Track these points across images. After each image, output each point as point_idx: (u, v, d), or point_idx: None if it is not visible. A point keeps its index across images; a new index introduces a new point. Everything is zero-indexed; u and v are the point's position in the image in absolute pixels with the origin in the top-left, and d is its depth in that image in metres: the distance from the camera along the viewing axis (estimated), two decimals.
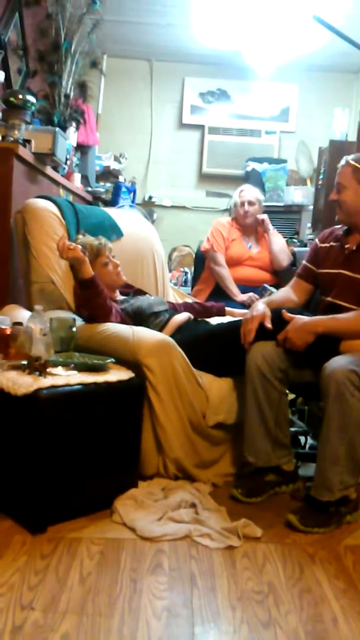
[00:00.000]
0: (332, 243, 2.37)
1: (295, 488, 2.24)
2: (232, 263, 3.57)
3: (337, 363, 1.95)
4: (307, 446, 2.70)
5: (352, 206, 2.23)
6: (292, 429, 2.57)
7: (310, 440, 2.71)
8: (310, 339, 2.08)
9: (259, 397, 2.14)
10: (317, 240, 2.46)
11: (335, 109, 4.62)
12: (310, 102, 5.27)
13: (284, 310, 2.19)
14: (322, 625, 1.46)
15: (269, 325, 2.18)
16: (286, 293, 2.50)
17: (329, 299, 2.29)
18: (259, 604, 1.54)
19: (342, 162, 2.28)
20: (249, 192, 3.67)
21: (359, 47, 3.81)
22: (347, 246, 2.28)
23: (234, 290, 3.47)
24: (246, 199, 3.61)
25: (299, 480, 2.27)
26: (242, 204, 3.61)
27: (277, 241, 3.64)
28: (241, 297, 3.41)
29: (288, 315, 2.16)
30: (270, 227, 3.67)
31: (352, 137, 4.36)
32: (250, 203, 3.61)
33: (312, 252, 2.45)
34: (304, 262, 2.47)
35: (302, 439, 2.74)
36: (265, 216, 3.68)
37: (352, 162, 2.23)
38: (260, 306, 2.26)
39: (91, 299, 2.37)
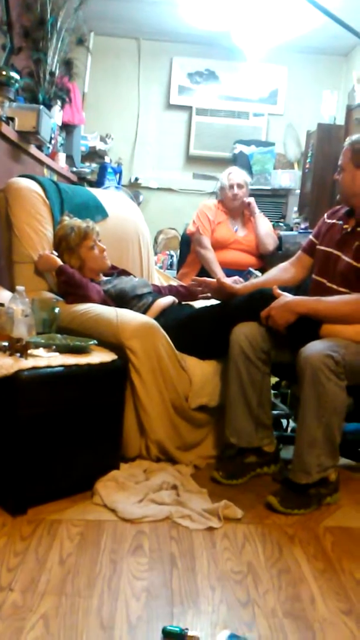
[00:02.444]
0: (335, 220, 2.35)
1: (276, 470, 2.26)
2: (218, 246, 3.55)
3: (313, 348, 1.96)
4: (289, 429, 2.72)
5: (347, 188, 2.23)
6: (275, 412, 2.59)
7: (292, 423, 2.73)
8: (291, 318, 2.08)
9: (242, 377, 2.15)
10: (325, 215, 2.44)
11: (324, 91, 4.59)
12: (299, 85, 5.23)
13: (274, 286, 2.19)
14: (300, 605, 1.48)
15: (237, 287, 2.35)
16: (277, 271, 2.49)
17: (319, 279, 2.29)
18: (238, 584, 1.55)
19: (345, 143, 2.27)
20: (238, 174, 3.65)
21: (350, 29, 3.78)
22: (345, 226, 2.27)
23: (220, 273, 3.45)
24: (235, 182, 3.58)
25: (280, 462, 2.29)
26: (231, 186, 3.58)
27: (264, 225, 3.62)
28: (226, 280, 3.39)
29: (277, 291, 2.16)
30: (257, 210, 3.65)
31: (340, 121, 4.34)
32: (239, 186, 3.58)
33: (318, 226, 2.44)
34: (310, 236, 2.46)
35: (284, 422, 2.76)
36: (251, 199, 3.66)
37: (352, 145, 2.21)
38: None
39: (66, 281, 2.44)
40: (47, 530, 1.73)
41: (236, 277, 3.35)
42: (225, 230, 3.58)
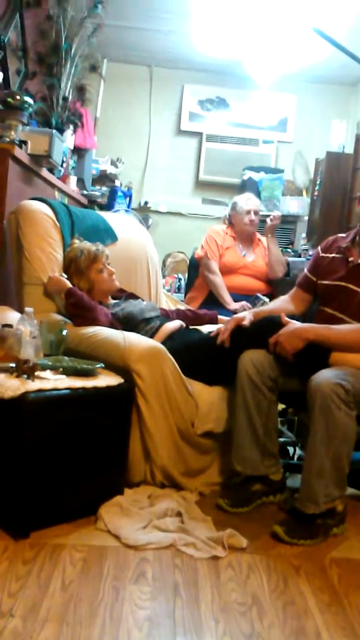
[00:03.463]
0: (334, 254, 2.33)
1: (282, 499, 2.23)
2: (226, 271, 3.56)
3: (324, 376, 1.94)
4: (296, 457, 2.69)
5: None
6: (281, 439, 2.56)
7: (298, 451, 2.70)
8: (299, 345, 2.07)
9: (249, 405, 2.13)
10: (319, 249, 2.42)
11: (332, 120, 4.64)
12: (308, 113, 5.30)
13: (282, 314, 2.19)
14: (305, 639, 1.45)
15: (246, 323, 2.21)
16: (281, 302, 2.49)
17: (329, 310, 2.26)
18: (242, 615, 1.52)
19: None
20: (255, 201, 3.69)
21: (358, 59, 3.84)
22: (350, 259, 2.25)
23: (227, 298, 3.46)
24: (253, 208, 3.62)
25: (286, 491, 2.26)
26: (249, 212, 3.61)
27: (276, 250, 3.65)
28: (234, 305, 3.40)
29: (285, 319, 2.16)
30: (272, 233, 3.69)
31: (349, 149, 4.38)
32: (255, 212, 3.62)
33: (313, 261, 2.42)
34: (305, 271, 2.45)
35: (290, 449, 2.73)
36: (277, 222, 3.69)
37: None
38: (244, 312, 2.31)
39: (75, 304, 2.44)
40: (49, 555, 1.70)
41: (244, 302, 3.38)
42: (234, 255, 3.60)
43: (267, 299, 3.31)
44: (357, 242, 2.26)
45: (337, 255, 2.31)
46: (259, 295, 3.42)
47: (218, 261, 3.57)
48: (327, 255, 2.35)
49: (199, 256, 3.63)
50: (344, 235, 2.36)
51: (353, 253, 2.26)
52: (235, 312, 3.30)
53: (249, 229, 3.62)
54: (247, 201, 3.65)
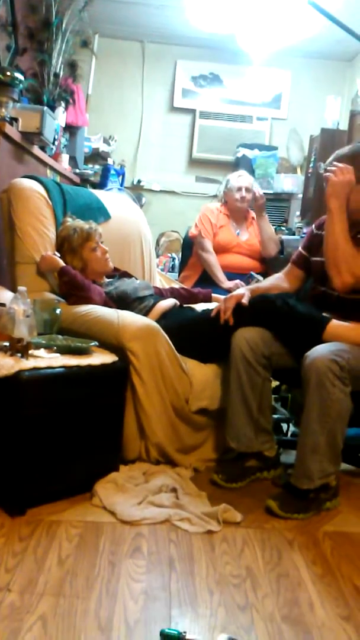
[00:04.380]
0: None
1: (277, 474, 2.25)
2: (220, 250, 3.55)
3: (318, 352, 1.95)
4: (289, 433, 2.72)
5: (356, 206, 2.15)
6: (275, 416, 2.58)
7: (292, 428, 2.72)
8: (345, 189, 2.09)
9: (243, 382, 2.14)
10: (313, 226, 2.41)
11: (327, 97, 4.59)
12: (302, 90, 5.24)
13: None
14: (298, 610, 1.47)
15: (245, 301, 2.19)
16: (275, 280, 2.49)
17: (322, 288, 2.27)
18: (237, 587, 1.55)
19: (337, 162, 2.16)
20: (247, 178, 3.66)
21: (354, 34, 3.79)
22: None
23: (221, 277, 3.46)
24: (244, 185, 3.59)
25: (280, 467, 2.28)
26: (239, 188, 3.58)
27: (268, 228, 3.63)
28: (228, 283, 3.40)
29: None
30: (264, 212, 3.65)
31: (344, 126, 4.34)
32: (247, 189, 3.59)
33: (307, 238, 2.42)
34: (299, 248, 2.45)
35: (284, 426, 2.75)
36: (264, 198, 3.65)
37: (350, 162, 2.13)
38: (241, 289, 2.29)
39: (68, 282, 2.43)
40: (45, 531, 1.72)
41: (238, 281, 3.38)
42: (228, 234, 3.58)
43: (261, 278, 3.31)
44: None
45: None
46: (253, 273, 3.41)
47: (212, 240, 3.55)
48: (321, 232, 2.34)
49: (193, 235, 3.61)
50: None
51: None
52: (229, 290, 3.29)
53: (240, 206, 3.60)
54: (238, 178, 3.63)
